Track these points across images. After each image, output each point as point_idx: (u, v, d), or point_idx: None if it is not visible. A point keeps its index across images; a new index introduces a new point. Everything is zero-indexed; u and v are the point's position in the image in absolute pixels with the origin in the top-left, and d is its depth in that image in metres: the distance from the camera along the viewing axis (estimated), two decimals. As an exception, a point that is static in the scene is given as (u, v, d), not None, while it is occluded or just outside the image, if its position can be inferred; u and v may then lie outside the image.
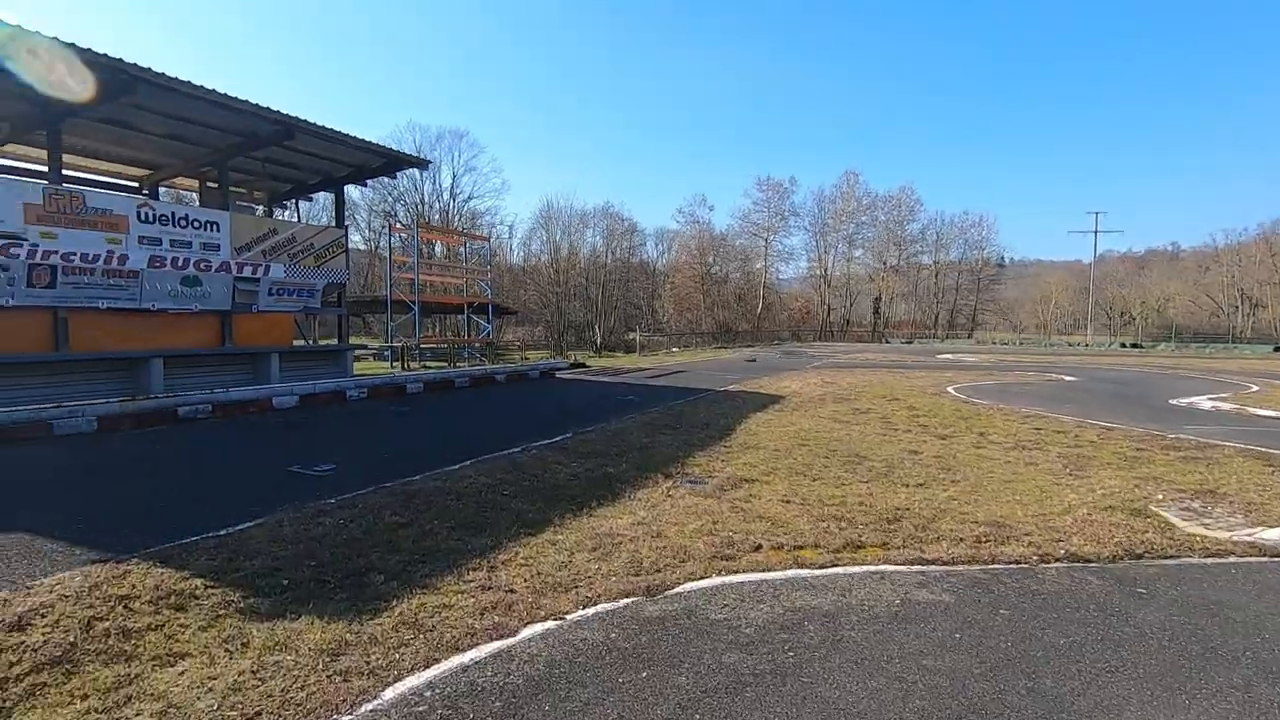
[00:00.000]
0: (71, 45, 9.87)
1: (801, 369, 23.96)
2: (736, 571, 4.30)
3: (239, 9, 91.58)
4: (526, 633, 3.42)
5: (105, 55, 10.30)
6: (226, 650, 3.16)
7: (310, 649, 3.18)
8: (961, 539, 4.96)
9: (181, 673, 2.97)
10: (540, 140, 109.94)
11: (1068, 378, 20.71)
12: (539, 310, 57.80)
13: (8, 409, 9.06)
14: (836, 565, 4.44)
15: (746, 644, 3.30)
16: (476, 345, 28.60)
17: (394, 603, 3.72)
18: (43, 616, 3.34)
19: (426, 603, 3.73)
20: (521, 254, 66.96)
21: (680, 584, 4.08)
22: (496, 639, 3.35)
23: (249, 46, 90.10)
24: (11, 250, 11.02)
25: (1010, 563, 4.55)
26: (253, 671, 2.97)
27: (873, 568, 4.41)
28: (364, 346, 27.11)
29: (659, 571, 4.26)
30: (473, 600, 3.79)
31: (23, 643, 3.11)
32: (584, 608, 3.74)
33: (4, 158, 14.36)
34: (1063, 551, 4.73)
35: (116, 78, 10.84)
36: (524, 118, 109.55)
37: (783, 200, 70.27)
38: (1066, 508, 5.83)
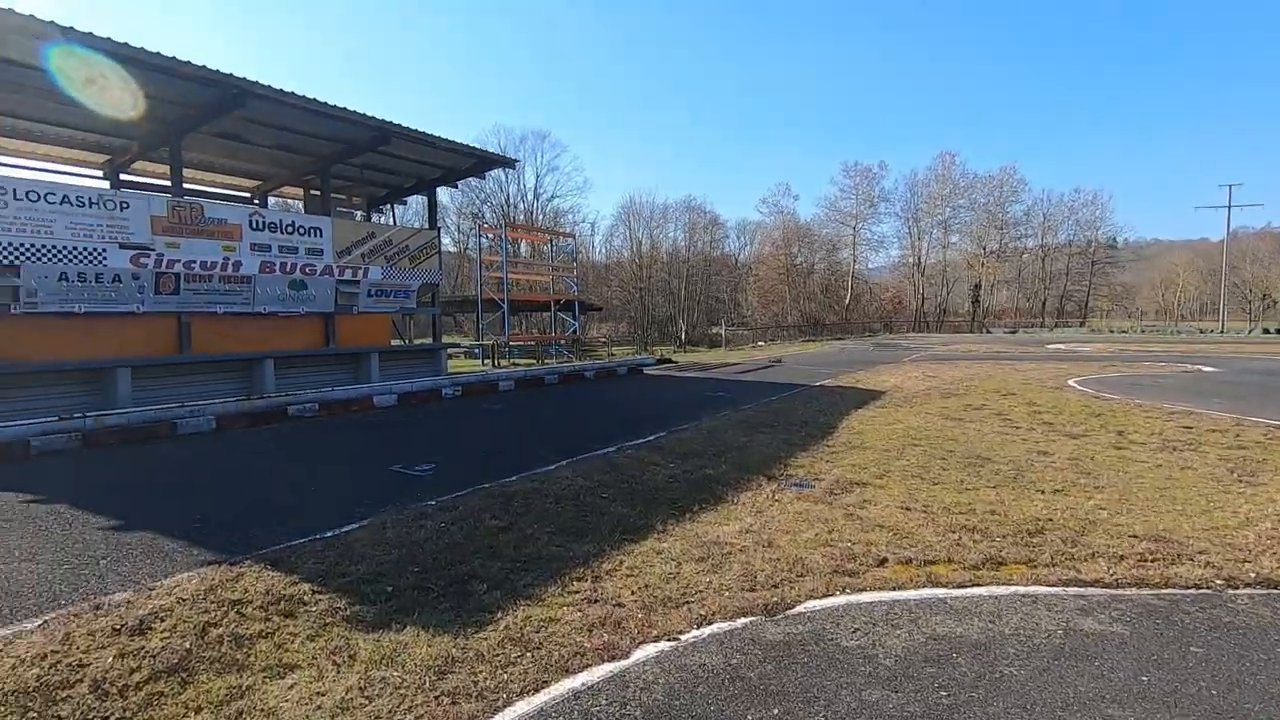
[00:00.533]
0: (188, 62, 10.45)
1: (898, 362, 22.79)
2: (862, 589, 3.89)
3: (324, 26, 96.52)
4: (639, 654, 3.16)
5: (216, 70, 10.87)
6: (334, 663, 3.06)
7: (417, 665, 3.03)
8: (1121, 556, 4.34)
9: (291, 686, 2.88)
10: (621, 137, 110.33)
11: (1206, 368, 18.67)
12: (622, 306, 58.08)
13: (140, 409, 9.72)
14: (977, 585, 3.94)
15: (888, 678, 2.91)
16: (563, 342, 28.89)
17: (498, 615, 3.55)
18: (162, 620, 3.36)
19: (532, 616, 3.54)
20: (604, 250, 67.54)
21: (801, 602, 3.72)
22: (608, 660, 3.10)
23: (342, 60, 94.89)
24: (142, 260, 11.84)
25: (1187, 587, 3.91)
26: (360, 689, 2.84)
27: (1021, 589, 3.89)
28: (456, 345, 27.88)
29: (776, 587, 3.91)
30: (579, 614, 3.57)
31: (143, 648, 3.12)
32: (698, 627, 3.44)
33: (133, 174, 15.51)
34: (1252, 575, 4.04)
35: (228, 92, 11.43)
36: (605, 117, 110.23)
37: (872, 186, 67.45)
38: (1244, 520, 5.04)
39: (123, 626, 3.27)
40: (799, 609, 3.64)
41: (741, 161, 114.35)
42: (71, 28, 9.28)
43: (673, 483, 6.27)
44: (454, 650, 3.17)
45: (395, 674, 2.96)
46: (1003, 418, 9.92)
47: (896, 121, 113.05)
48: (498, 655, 3.14)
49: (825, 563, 4.25)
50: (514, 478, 6.32)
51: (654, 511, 5.38)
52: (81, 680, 2.85)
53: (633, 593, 3.85)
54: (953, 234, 68.54)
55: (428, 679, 2.92)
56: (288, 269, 14.11)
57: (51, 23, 9.12)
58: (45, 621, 3.35)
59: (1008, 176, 65.30)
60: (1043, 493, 5.88)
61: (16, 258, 10.42)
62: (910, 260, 69.59)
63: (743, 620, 3.51)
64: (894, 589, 3.89)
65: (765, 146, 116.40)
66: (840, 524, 5.05)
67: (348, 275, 15.31)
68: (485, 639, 3.29)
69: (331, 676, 2.96)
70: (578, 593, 3.85)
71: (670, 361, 23.97)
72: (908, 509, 5.42)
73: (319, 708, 2.72)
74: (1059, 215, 66.23)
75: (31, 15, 8.91)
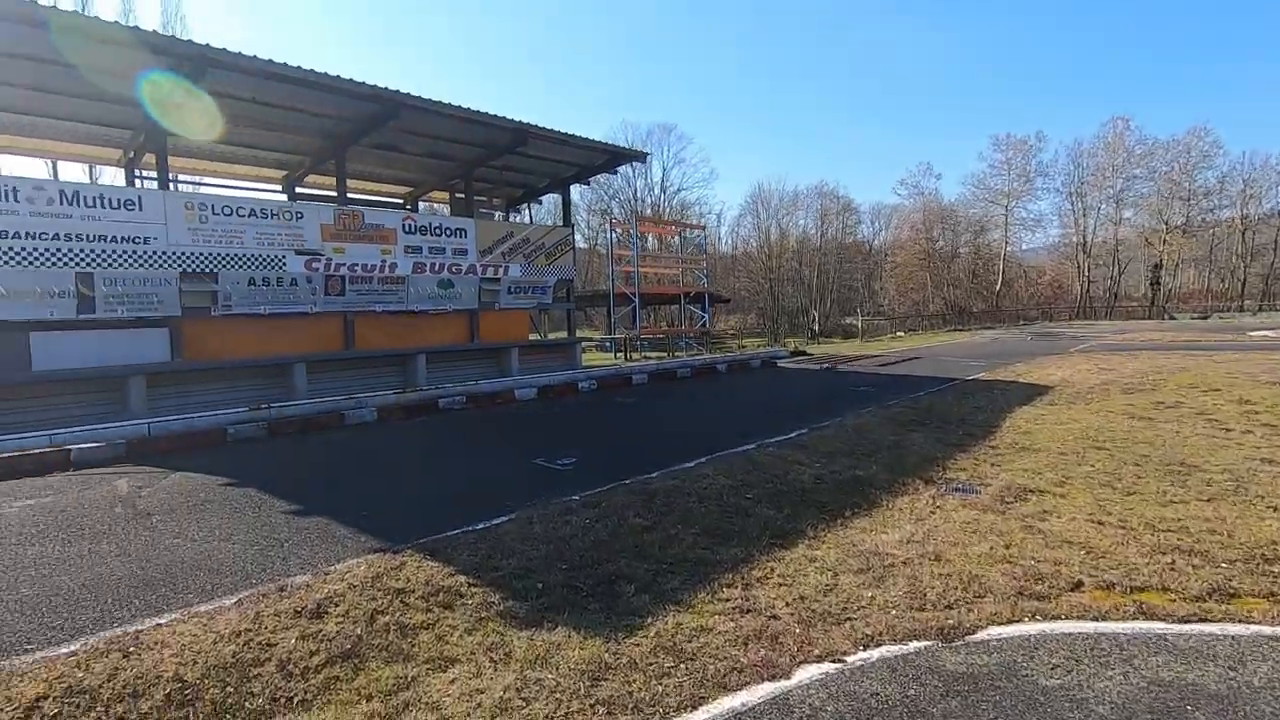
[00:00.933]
0: (351, 79, 11.32)
1: (1063, 353, 20.59)
2: (1056, 617, 3.41)
3: (459, 39, 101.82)
4: (801, 675, 2.92)
5: (375, 85, 11.69)
6: (491, 660, 3.08)
7: (570, 668, 2.98)
8: (1402, 595, 3.51)
9: (452, 681, 2.92)
10: (748, 125, 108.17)
11: None
12: (751, 297, 57.08)
13: (314, 400, 10.69)
14: (1205, 620, 3.33)
15: (1105, 730, 2.48)
16: (692, 335, 28.80)
17: (648, 620, 3.44)
18: (336, 605, 3.55)
19: (683, 623, 3.40)
20: (730, 241, 66.68)
21: (983, 628, 3.30)
22: (768, 679, 2.89)
23: (469, 63, 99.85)
24: (313, 264, 13.03)
25: None
26: (516, 689, 2.83)
27: (1266, 629, 3.23)
28: (588, 339, 28.64)
29: (950, 608, 3.51)
30: (732, 625, 3.38)
31: (320, 631, 3.30)
32: (864, 648, 3.14)
33: (305, 187, 17.12)
34: None
35: (384, 105, 12.28)
36: (731, 106, 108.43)
37: (1027, 159, 61.19)
38: None
39: (303, 609, 3.49)
40: (981, 636, 3.24)
41: (875, 144, 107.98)
42: (255, 56, 10.31)
43: (820, 484, 5.92)
44: (606, 655, 3.09)
45: (550, 676, 2.93)
46: (1207, 418, 8.58)
47: (1054, 89, 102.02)
48: (651, 664, 3.02)
49: (1006, 583, 3.78)
50: (654, 474, 6.24)
51: (802, 515, 5.09)
52: (270, 659, 3.05)
53: (787, 604, 3.61)
54: (1126, 208, 60.87)
55: (582, 685, 2.85)
56: (437, 269, 15.01)
57: (240, 53, 10.17)
58: (240, 600, 3.65)
59: (1197, 140, 56.86)
60: (1276, 510, 4.95)
61: (215, 266, 11.80)
62: (1073, 240, 62.74)
63: (915, 644, 3.16)
64: (1096, 619, 3.37)
65: (902, 126, 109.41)
66: (1018, 537, 4.51)
67: (490, 273, 16.06)
68: (637, 645, 3.19)
69: (489, 674, 2.97)
70: (728, 600, 3.67)
71: (804, 354, 23.15)
72: (1099, 523, 4.75)
73: (479, 705, 2.73)
74: (1266, 181, 56.73)
75: (240, 52, 9.99)
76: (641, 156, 19.10)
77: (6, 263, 9.72)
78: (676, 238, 31.63)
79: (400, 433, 9.30)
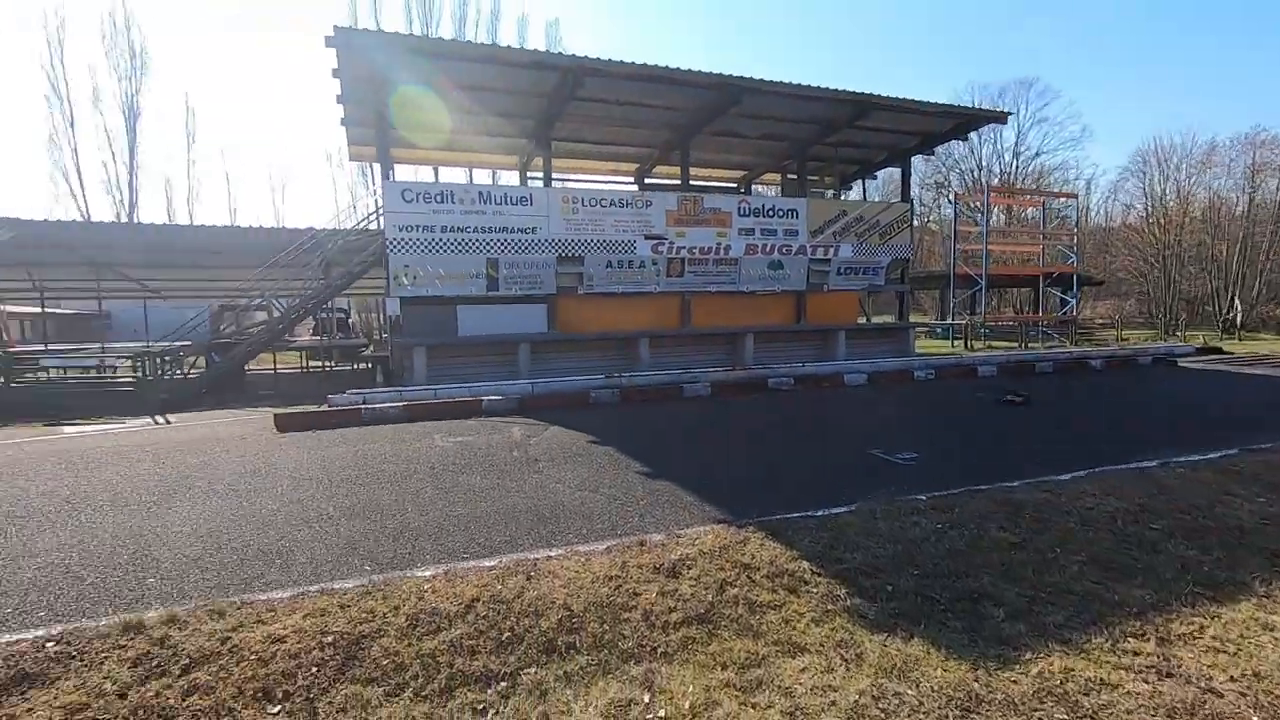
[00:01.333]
0: (697, 71, 11.99)
1: None
2: None
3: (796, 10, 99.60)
4: (1268, 782, 2.21)
5: (719, 74, 12.18)
6: (841, 657, 2.95)
7: (932, 689, 2.70)
8: None
9: (802, 669, 2.87)
10: (1136, 70, 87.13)
11: None
12: (1130, 279, 46.65)
13: (657, 372, 11.72)
14: None
15: None
16: (1049, 324, 24.63)
17: (1025, 654, 2.96)
18: (688, 569, 3.77)
19: (1073, 669, 2.85)
20: (1102, 211, 55.05)
21: None
22: (1212, 774, 2.25)
23: (808, 44, 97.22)
24: (658, 248, 14.23)
25: None
26: (873, 696, 2.65)
27: None
28: (921, 324, 26.40)
29: None
30: (1146, 687, 2.73)
31: (676, 590, 3.53)
32: (1377, 771, 2.25)
33: (653, 177, 18.73)
34: None
35: (726, 92, 12.73)
36: (1115, 48, 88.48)
37: None
38: None
39: (661, 566, 3.78)
40: None
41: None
42: (621, 60, 11.49)
43: (1268, 525, 4.51)
44: (975, 685, 2.73)
45: (909, 692, 2.69)
46: None
47: None
48: (1036, 711, 2.58)
49: None
50: (1016, 483, 5.41)
51: (1243, 563, 3.93)
52: (636, 607, 3.36)
53: (1233, 679, 2.79)
54: None
55: (950, 712, 2.56)
56: (767, 250, 15.23)
57: (609, 59, 11.43)
58: (609, 547, 4.11)
59: None
60: None
61: (582, 251, 13.63)
62: None
63: None
64: None
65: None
66: None
67: (819, 254, 15.75)
68: (1014, 682, 2.76)
69: (840, 672, 2.84)
70: (1137, 654, 2.97)
71: (1218, 351, 18.12)
72: None
73: (833, 703, 2.63)
74: None
75: (609, 58, 11.32)
76: (1001, 117, 16.64)
77: (446, 250, 12.53)
78: (1032, 210, 27.24)
79: (732, 409, 9.65)
